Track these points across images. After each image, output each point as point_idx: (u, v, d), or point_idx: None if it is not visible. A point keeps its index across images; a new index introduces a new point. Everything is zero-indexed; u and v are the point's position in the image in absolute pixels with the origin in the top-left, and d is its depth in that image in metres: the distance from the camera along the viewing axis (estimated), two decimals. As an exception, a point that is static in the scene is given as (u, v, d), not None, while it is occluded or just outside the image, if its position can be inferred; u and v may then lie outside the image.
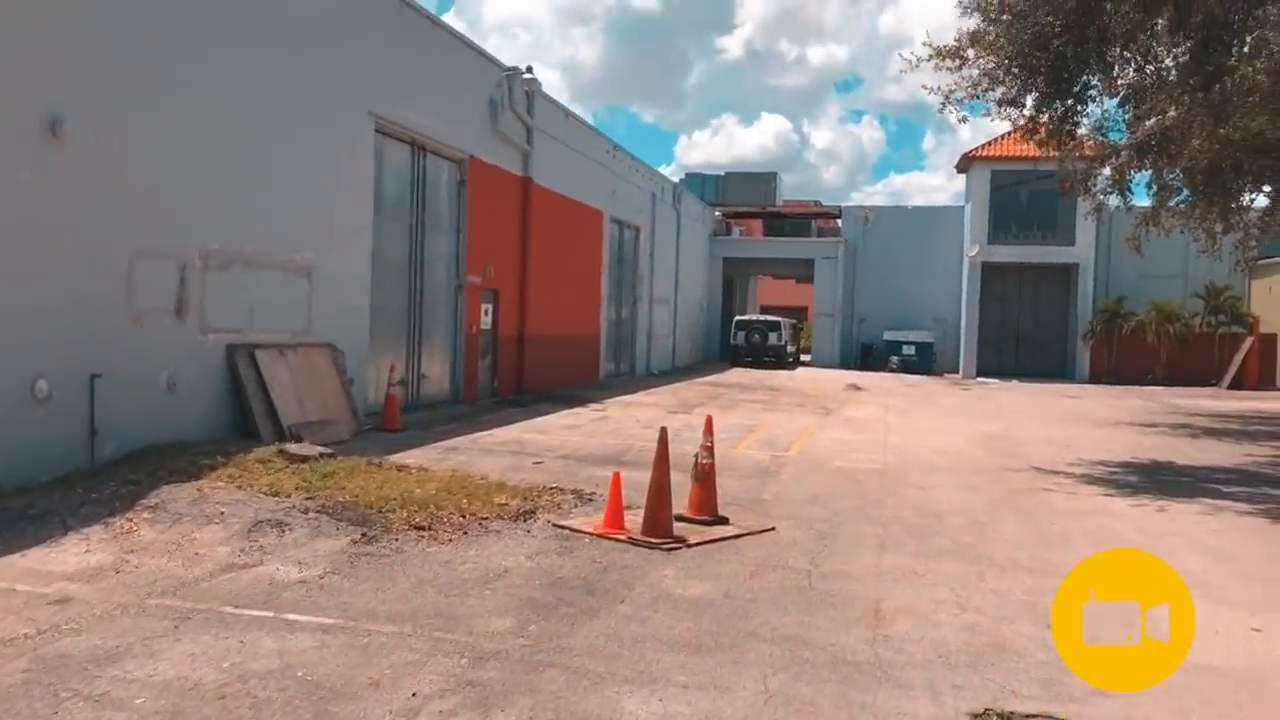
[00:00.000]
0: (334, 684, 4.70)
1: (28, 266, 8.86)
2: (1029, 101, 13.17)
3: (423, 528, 7.80)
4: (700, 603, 6.26)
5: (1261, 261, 30.31)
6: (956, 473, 12.29)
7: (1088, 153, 17.43)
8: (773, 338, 36.72)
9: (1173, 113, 15.26)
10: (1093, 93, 13.93)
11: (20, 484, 8.35)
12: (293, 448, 9.65)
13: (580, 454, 12.57)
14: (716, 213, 41.21)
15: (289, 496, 8.25)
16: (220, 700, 4.47)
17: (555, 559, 7.21)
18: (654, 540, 7.65)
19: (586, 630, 5.64)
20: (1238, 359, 32.72)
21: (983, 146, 36.27)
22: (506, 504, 8.70)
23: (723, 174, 42.69)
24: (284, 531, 7.48)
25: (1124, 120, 16.50)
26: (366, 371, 14.56)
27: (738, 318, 39.17)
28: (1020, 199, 35.27)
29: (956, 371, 35.93)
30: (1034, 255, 35.49)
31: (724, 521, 8.52)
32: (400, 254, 15.89)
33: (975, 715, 4.63)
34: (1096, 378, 34.30)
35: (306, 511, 7.91)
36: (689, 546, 7.68)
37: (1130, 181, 17.25)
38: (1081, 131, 15.81)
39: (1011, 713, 4.66)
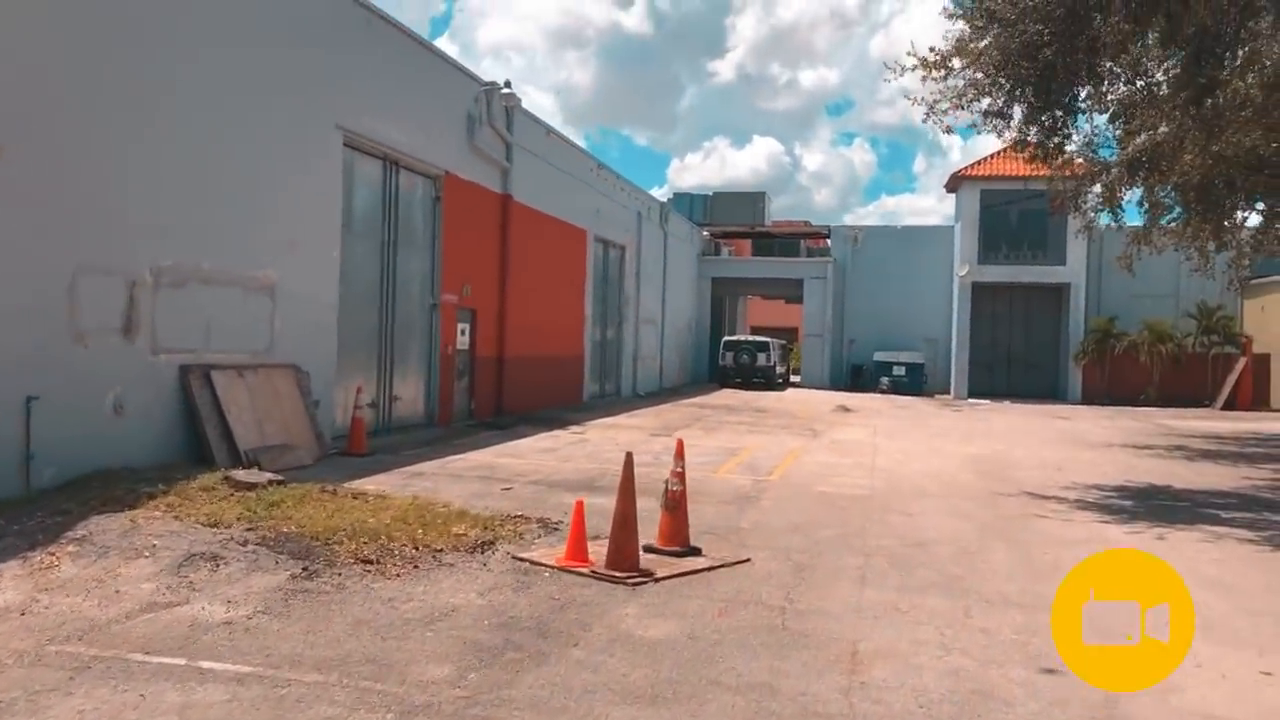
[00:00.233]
0: (235, 746, 4.16)
1: (-44, 282, 8.35)
2: (1017, 113, 12.78)
3: (370, 561, 7.26)
4: (661, 646, 5.73)
5: (1254, 281, 30.00)
6: (945, 498, 11.79)
7: (1078, 171, 17.09)
8: (761, 359, 36.25)
9: (1164, 128, 14.92)
10: (1082, 105, 13.54)
11: (-59, 514, 7.80)
12: (239, 474, 9.10)
13: (553, 479, 12.04)
14: (705, 232, 40.85)
15: (229, 527, 7.70)
16: (100, 768, 3.93)
17: (510, 595, 6.67)
18: (618, 574, 7.12)
19: (532, 679, 5.11)
20: (1231, 379, 32.38)
21: (972, 166, 36.05)
22: (465, 534, 8.17)
23: (711, 193, 42.36)
24: (218, 566, 6.93)
25: (1114, 136, 16.18)
26: (334, 393, 14.02)
27: (726, 338, 38.72)
28: (1010, 218, 35.00)
29: (947, 392, 35.50)
30: (1025, 275, 35.17)
31: (696, 553, 8.00)
32: (371, 271, 15.40)
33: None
34: (1089, 398, 33.90)
35: (245, 544, 7.36)
36: (655, 581, 7.15)
37: (1121, 199, 16.91)
38: (1071, 148, 15.46)
39: (999, 777, 4.14)
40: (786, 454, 15.82)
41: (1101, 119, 15.45)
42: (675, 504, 8.02)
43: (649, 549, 7.82)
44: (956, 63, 12.38)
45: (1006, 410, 29.51)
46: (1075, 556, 8.62)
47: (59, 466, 9.18)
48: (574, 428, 18.66)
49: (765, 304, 54.87)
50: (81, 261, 9.60)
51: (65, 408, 9.33)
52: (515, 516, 9.12)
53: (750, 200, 41.98)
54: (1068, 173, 16.93)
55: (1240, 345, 32.94)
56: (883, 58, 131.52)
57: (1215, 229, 18.78)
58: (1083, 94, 13.32)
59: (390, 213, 15.80)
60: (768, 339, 37.84)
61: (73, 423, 9.44)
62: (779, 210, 47.06)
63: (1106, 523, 10.49)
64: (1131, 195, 17.64)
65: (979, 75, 12.53)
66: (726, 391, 33.92)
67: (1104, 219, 18.59)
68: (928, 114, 12.98)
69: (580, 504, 7.66)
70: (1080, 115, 14.05)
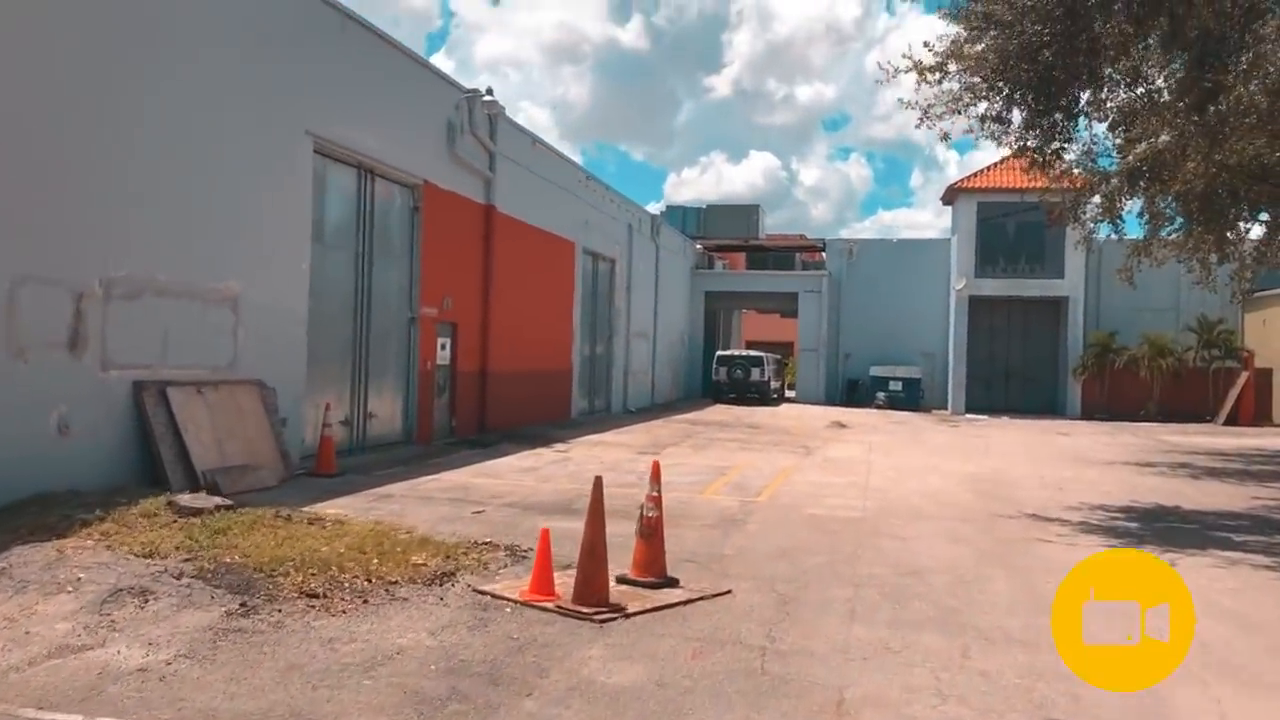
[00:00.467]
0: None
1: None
2: (1016, 117, 12.26)
3: (316, 595, 6.65)
4: (625, 695, 5.14)
5: (1256, 294, 29.49)
6: (942, 520, 11.19)
7: (1076, 183, 16.57)
8: (755, 373, 35.67)
9: (1165, 136, 14.42)
10: (1082, 109, 13.03)
11: None
12: (184, 499, 8.50)
13: (529, 501, 11.44)
14: (698, 246, 40.33)
15: (165, 558, 7.10)
16: None
17: (464, 635, 6.07)
18: (584, 610, 6.52)
19: (474, 737, 4.51)
20: (1233, 394, 31.83)
21: (969, 178, 35.60)
22: (424, 564, 7.57)
23: (705, 206, 41.89)
24: (146, 602, 6.32)
25: (1114, 145, 15.67)
26: (304, 411, 13.42)
27: (719, 353, 38.14)
28: (1008, 231, 34.48)
29: (945, 408, 34.92)
30: (1022, 288, 34.65)
31: (673, 584, 7.40)
32: (345, 283, 14.83)
33: None
34: (1088, 413, 33.33)
35: (180, 576, 6.76)
36: (626, 616, 6.56)
37: (1121, 210, 16.37)
38: (1070, 157, 14.94)
39: None
40: (777, 473, 15.22)
41: (1101, 127, 14.96)
42: (651, 531, 7.43)
43: (622, 580, 7.24)
44: (952, 66, 11.87)
45: (1005, 426, 28.93)
46: (1081, 587, 8.05)
47: (-5, 490, 8.58)
48: (559, 445, 18.05)
49: (760, 318, 54.34)
50: (21, 271, 9.02)
51: (2, 427, 8.74)
52: (482, 544, 8.53)
53: (744, 213, 41.51)
54: (1066, 184, 16.41)
55: (1242, 360, 32.42)
56: (879, 73, 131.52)
57: (1218, 240, 18.25)
58: (1083, 98, 12.81)
59: (365, 222, 15.24)
60: (762, 353, 37.29)
61: (11, 444, 8.85)
62: (775, 225, 46.67)
63: (1113, 547, 9.89)
64: (1132, 206, 17.15)
65: (976, 79, 12.03)
66: (720, 407, 33.32)
67: (1103, 230, 18.06)
68: (922, 118, 12.46)
69: (546, 532, 7.06)
70: (1080, 120, 13.54)
